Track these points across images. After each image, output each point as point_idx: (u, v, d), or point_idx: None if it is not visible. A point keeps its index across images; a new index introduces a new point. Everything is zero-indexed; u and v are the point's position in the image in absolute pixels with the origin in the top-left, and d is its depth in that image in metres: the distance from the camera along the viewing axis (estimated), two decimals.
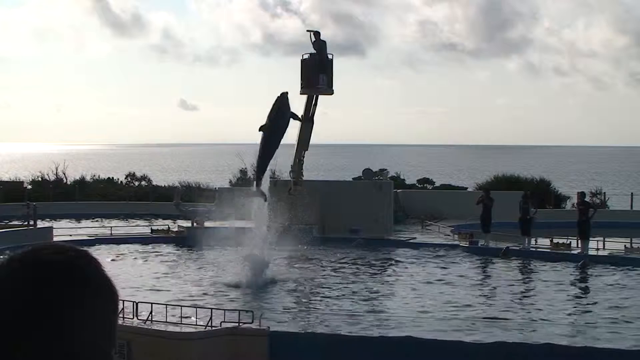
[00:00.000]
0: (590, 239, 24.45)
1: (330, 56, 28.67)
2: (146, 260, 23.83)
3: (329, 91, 28.61)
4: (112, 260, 23.03)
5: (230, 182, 44.64)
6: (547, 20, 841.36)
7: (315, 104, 28.51)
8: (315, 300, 18.27)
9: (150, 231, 29.01)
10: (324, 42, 28.63)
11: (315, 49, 28.38)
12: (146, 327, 13.62)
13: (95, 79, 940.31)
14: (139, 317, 13.96)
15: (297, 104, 28.96)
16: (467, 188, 45.01)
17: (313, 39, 28.40)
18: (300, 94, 28.59)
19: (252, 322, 13.58)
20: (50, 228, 26.94)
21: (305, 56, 28.63)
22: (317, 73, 28.00)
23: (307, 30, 28.63)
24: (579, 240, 24.74)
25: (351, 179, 38.84)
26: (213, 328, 13.49)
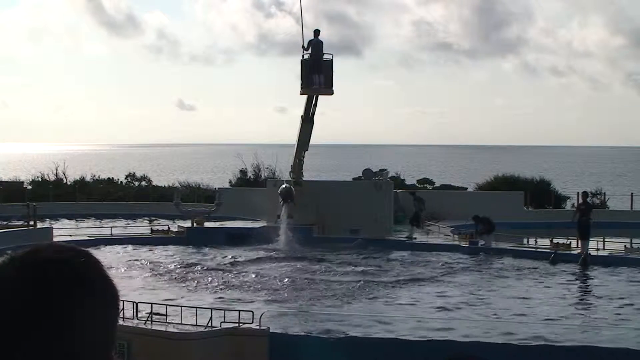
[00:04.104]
0: (590, 239, 24.44)
1: (330, 56, 28.59)
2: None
3: (329, 91, 28.50)
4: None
5: (230, 182, 44.66)
6: (542, 20, 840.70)
7: (315, 104, 28.45)
8: (315, 299, 18.25)
9: (150, 231, 29.01)
10: (321, 41, 28.52)
11: (313, 48, 28.25)
12: (146, 327, 13.63)
13: (94, 79, 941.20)
14: (139, 317, 13.97)
15: (298, 103, 29.07)
16: (467, 188, 45.01)
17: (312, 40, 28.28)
18: (300, 94, 28.55)
19: (252, 322, 13.59)
20: (50, 228, 26.94)
21: (305, 56, 28.55)
22: (312, 73, 27.91)
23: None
24: (579, 241, 24.73)
25: (351, 179, 38.84)
26: (213, 328, 13.49)
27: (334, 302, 17.78)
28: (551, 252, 24.41)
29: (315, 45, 28.07)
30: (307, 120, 28.53)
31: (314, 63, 27.93)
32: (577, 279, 21.86)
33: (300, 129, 28.59)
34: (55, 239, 24.64)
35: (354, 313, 16.40)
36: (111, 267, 21.17)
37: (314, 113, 28.59)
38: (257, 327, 13.41)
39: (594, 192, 39.57)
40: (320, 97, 28.56)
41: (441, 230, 29.13)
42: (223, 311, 14.22)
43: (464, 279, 21.08)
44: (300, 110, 28.75)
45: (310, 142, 29.35)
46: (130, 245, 26.56)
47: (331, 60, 28.48)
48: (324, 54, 28.32)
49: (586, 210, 25.04)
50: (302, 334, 13.97)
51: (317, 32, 28.49)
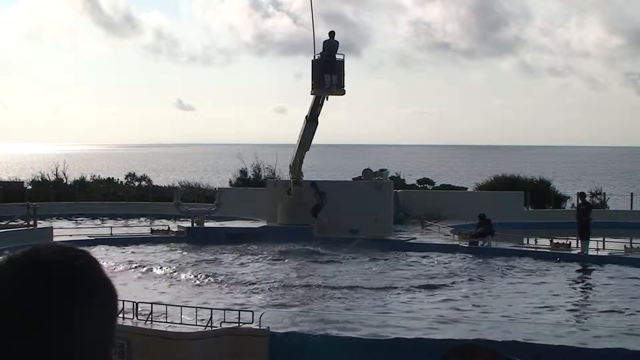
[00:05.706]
0: (590, 239, 24.44)
1: (341, 56, 28.55)
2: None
3: (340, 91, 28.43)
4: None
5: (230, 182, 44.65)
6: (540, 20, 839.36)
7: (322, 104, 28.41)
8: (315, 299, 18.25)
9: (150, 231, 29.00)
10: (337, 42, 28.49)
11: (324, 49, 28.20)
12: (146, 327, 13.63)
13: (93, 79, 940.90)
14: (139, 317, 13.97)
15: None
16: (467, 188, 45.00)
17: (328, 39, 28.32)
18: (311, 94, 28.51)
19: (252, 322, 13.59)
20: (50, 228, 26.93)
21: (317, 56, 28.51)
22: (323, 73, 27.84)
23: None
24: (579, 241, 24.73)
25: (351, 179, 38.82)
26: (213, 328, 13.49)
27: (333, 302, 17.78)
28: (556, 253, 24.31)
29: (328, 45, 28.10)
30: (312, 120, 28.50)
31: (325, 63, 27.88)
32: (576, 279, 21.88)
33: (304, 128, 28.56)
34: (55, 239, 24.62)
35: (354, 313, 16.40)
36: (111, 267, 21.18)
37: (319, 113, 28.59)
38: (257, 327, 13.41)
39: (593, 192, 39.58)
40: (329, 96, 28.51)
41: (441, 230, 29.11)
42: (223, 311, 14.22)
43: (464, 279, 21.07)
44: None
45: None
46: (130, 245, 26.55)
47: (342, 61, 28.46)
48: (336, 54, 28.31)
49: (586, 210, 25.04)
50: (302, 333, 13.96)
51: (332, 34, 28.56)
